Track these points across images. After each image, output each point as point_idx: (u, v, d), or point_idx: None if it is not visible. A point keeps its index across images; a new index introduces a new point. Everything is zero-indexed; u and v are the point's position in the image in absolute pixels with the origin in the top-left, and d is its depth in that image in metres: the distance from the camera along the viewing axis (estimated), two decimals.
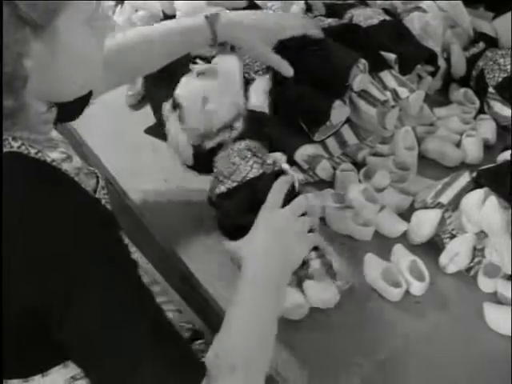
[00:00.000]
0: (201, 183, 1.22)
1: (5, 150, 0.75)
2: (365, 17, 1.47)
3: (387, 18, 1.47)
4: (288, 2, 1.47)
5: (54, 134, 0.87)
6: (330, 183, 1.29)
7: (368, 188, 1.21)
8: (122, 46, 1.11)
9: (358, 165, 1.31)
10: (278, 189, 1.01)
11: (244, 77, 1.44)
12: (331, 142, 1.33)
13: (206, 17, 1.16)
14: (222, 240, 1.09)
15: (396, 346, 1.02)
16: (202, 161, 1.21)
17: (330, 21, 1.43)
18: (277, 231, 0.95)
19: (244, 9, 1.36)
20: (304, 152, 1.31)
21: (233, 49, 1.30)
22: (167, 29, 1.17)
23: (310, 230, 1.01)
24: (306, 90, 1.25)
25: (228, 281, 1.08)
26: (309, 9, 1.48)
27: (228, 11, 1.21)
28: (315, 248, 1.05)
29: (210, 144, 1.20)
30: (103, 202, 0.86)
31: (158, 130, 1.41)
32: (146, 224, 1.18)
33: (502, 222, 1.08)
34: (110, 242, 0.77)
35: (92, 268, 0.74)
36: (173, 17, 1.51)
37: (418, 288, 1.09)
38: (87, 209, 0.77)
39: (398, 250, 1.14)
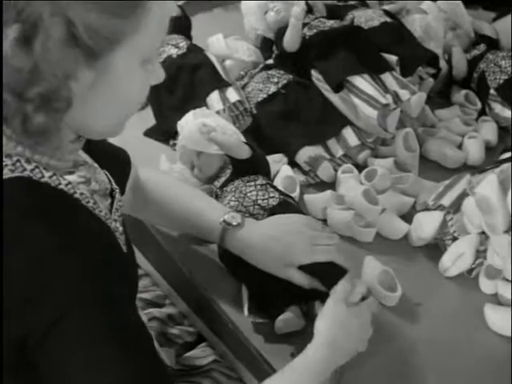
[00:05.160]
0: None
1: (15, 173, 0.72)
2: (366, 18, 1.47)
3: (388, 19, 1.47)
4: (289, 2, 1.47)
5: (81, 154, 0.84)
6: (331, 185, 1.29)
7: (369, 190, 1.20)
8: (164, 185, 1.09)
9: (360, 166, 1.31)
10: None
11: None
12: (332, 144, 1.34)
13: (225, 224, 1.04)
14: None
15: (396, 348, 1.02)
16: None
17: (332, 22, 1.44)
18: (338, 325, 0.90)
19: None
20: (305, 153, 1.31)
21: None
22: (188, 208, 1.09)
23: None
24: None
25: (230, 282, 1.09)
26: (310, 10, 1.47)
27: (242, 227, 1.04)
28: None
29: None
30: (117, 223, 0.83)
31: (157, 132, 1.41)
32: (149, 227, 1.18)
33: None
34: (103, 282, 0.73)
35: (80, 304, 0.70)
36: (176, 18, 1.50)
37: (391, 299, 1.07)
38: (86, 244, 0.73)
39: (369, 261, 1.12)
